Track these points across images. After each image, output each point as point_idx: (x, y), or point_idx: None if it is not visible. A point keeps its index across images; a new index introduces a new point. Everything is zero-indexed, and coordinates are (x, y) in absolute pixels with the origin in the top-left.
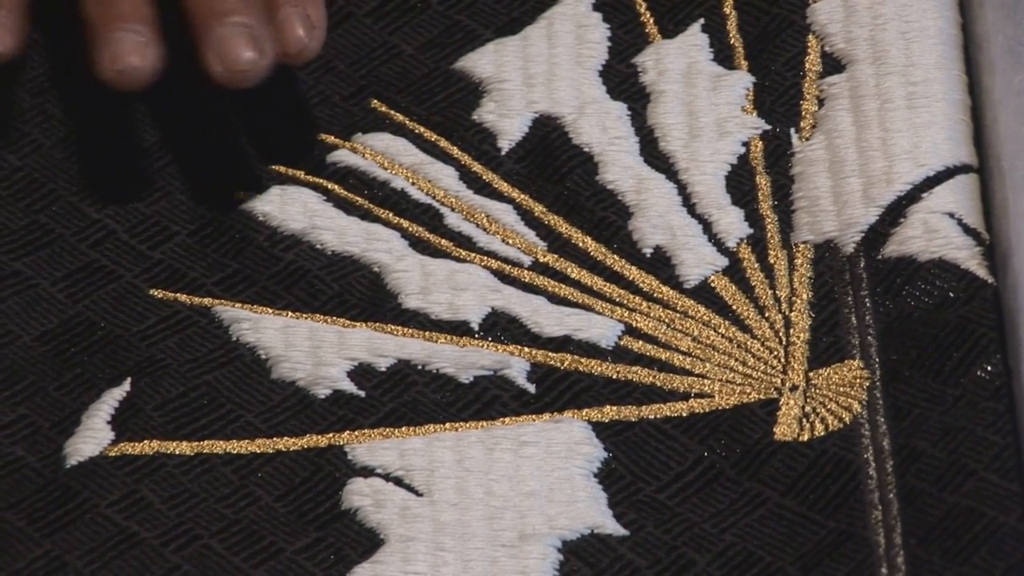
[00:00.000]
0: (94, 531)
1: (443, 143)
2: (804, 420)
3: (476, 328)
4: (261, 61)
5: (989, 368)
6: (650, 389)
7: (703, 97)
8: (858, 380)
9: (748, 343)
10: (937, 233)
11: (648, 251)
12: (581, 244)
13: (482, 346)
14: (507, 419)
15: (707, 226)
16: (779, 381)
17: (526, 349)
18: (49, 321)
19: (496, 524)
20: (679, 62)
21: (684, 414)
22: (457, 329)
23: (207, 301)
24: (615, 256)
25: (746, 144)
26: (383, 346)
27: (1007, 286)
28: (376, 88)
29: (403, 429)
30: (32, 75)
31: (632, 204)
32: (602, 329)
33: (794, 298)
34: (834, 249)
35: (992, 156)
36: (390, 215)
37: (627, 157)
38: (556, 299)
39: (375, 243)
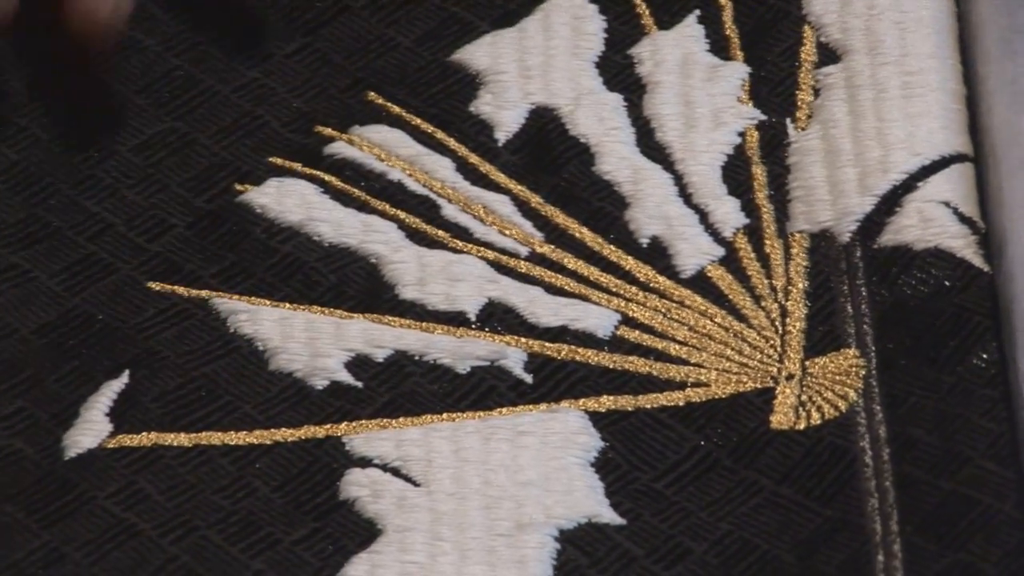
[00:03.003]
0: (92, 523)
1: (440, 135)
2: (800, 409)
3: (473, 319)
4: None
5: (985, 356)
6: (646, 378)
7: (699, 88)
8: (854, 369)
9: (744, 332)
10: (933, 222)
11: (644, 241)
12: (578, 235)
13: (479, 336)
14: (504, 409)
15: (703, 216)
16: (775, 370)
17: (523, 339)
18: (47, 314)
19: (493, 513)
20: (675, 53)
21: (680, 403)
22: (454, 320)
23: (204, 293)
24: (611, 246)
25: (742, 134)
26: (380, 337)
27: (1002, 274)
28: (373, 80)
29: (400, 420)
30: (30, 69)
31: (628, 195)
32: (598, 319)
33: (790, 287)
34: (830, 238)
35: (987, 145)
36: (387, 207)
37: (623, 148)
38: (553, 289)
39: (372, 234)
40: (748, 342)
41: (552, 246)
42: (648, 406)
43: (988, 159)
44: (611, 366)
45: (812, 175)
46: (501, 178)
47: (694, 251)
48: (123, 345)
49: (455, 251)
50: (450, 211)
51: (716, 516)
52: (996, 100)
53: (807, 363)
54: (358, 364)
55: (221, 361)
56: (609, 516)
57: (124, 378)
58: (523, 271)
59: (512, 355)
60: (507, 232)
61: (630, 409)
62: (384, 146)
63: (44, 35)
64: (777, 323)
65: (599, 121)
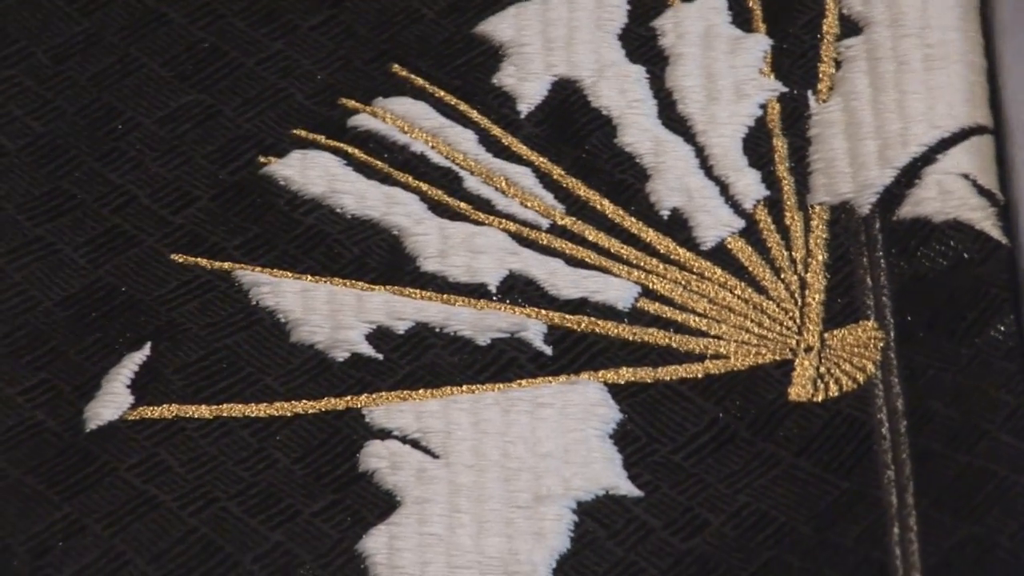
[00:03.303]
0: (113, 494)
1: (463, 107)
2: (819, 381)
3: (494, 291)
4: None
5: (1003, 328)
6: (666, 351)
7: (721, 60)
8: (872, 341)
9: (763, 304)
10: (952, 194)
11: (665, 213)
12: (599, 207)
13: (499, 308)
14: (524, 381)
15: (724, 188)
16: (794, 342)
17: (543, 311)
18: (71, 286)
19: (512, 486)
20: (698, 25)
21: (699, 375)
22: (475, 292)
23: (227, 265)
24: (632, 218)
25: (763, 106)
26: (401, 309)
27: (1018, 246)
28: (397, 52)
29: (420, 392)
30: (55, 42)
31: (650, 166)
32: (619, 291)
33: (810, 259)
34: (850, 211)
35: (1004, 117)
36: (409, 179)
37: (645, 120)
38: (573, 261)
39: (394, 207)
40: (767, 314)
41: (573, 218)
42: (667, 378)
43: (1006, 132)
44: (631, 338)
45: (833, 147)
46: (523, 150)
47: (715, 223)
48: (145, 317)
49: (477, 223)
50: (472, 183)
51: (734, 488)
52: (1011, 73)
53: (826, 335)
54: (379, 336)
55: (243, 333)
56: (627, 488)
57: (146, 350)
58: (544, 243)
59: (532, 327)
60: (528, 204)
61: (649, 381)
62: (407, 118)
63: None
64: (796, 295)
65: (621, 93)
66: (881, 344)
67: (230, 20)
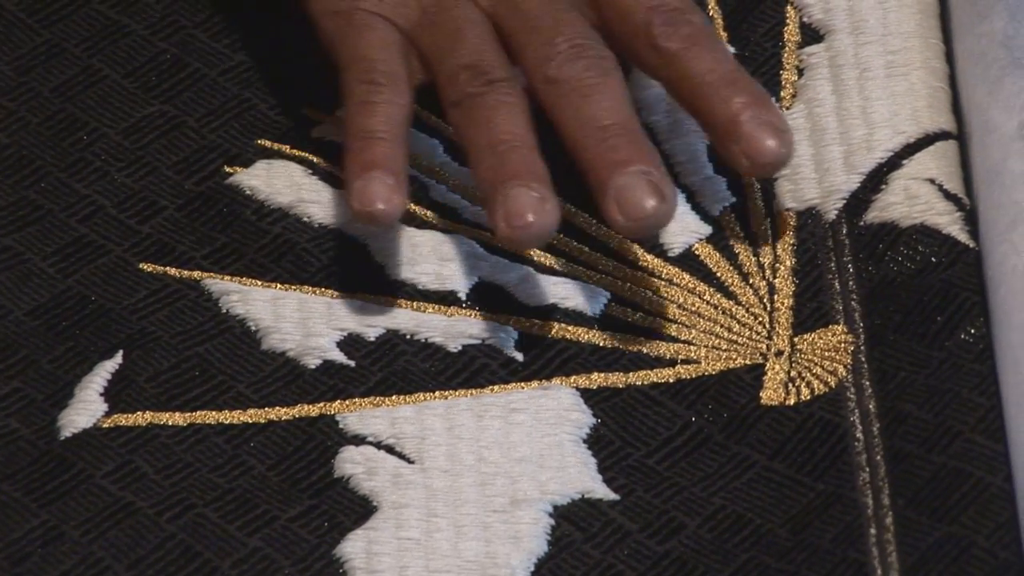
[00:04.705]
0: (90, 501)
1: (427, 115)
2: (790, 385)
3: (463, 298)
4: (663, 207)
5: (973, 331)
6: (637, 356)
7: None
8: (843, 345)
9: (733, 309)
10: (918, 199)
11: None
12: (566, 214)
13: (470, 315)
14: (496, 387)
15: (691, 194)
16: (764, 346)
17: (513, 318)
18: (40, 295)
19: (488, 490)
20: None
21: (671, 380)
22: (445, 299)
23: (196, 274)
24: (600, 225)
25: None
26: (371, 316)
27: (981, 249)
28: None
29: (393, 398)
30: (18, 53)
31: None
32: (588, 297)
33: (778, 265)
34: (816, 216)
35: (962, 121)
36: None
37: None
38: (542, 268)
39: None
40: (737, 319)
41: None
42: (639, 383)
43: (962, 135)
44: (601, 344)
45: (798, 153)
46: None
47: (682, 229)
48: (116, 326)
49: (444, 231)
50: (439, 191)
51: (709, 491)
52: (964, 77)
53: (796, 339)
54: (350, 343)
55: (214, 341)
56: (603, 492)
57: (118, 358)
58: (512, 250)
59: (503, 333)
60: None
61: (621, 386)
62: None
63: None
64: (765, 300)
65: None
66: (851, 348)
67: (191, 32)
